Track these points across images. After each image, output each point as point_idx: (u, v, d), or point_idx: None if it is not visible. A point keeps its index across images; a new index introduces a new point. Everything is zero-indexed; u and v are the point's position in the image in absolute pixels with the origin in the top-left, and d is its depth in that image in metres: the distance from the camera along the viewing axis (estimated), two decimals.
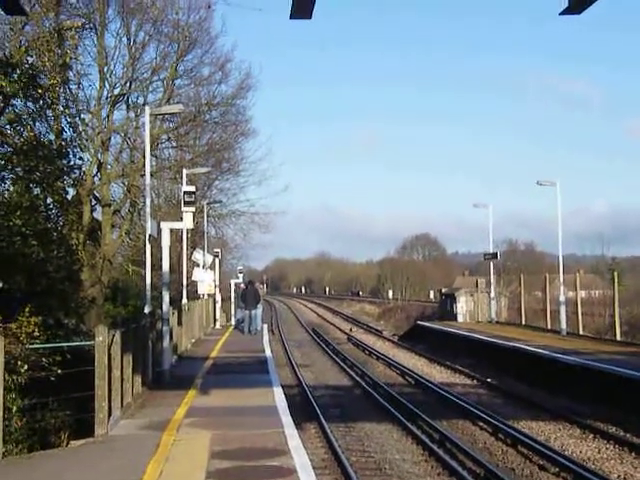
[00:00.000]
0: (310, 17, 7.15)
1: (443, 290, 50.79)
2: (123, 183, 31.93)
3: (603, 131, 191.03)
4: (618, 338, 27.60)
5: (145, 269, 20.11)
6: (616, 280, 29.39)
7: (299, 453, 10.20)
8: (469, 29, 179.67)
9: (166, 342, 18.03)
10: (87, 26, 21.95)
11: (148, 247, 19.80)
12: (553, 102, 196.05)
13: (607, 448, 15.18)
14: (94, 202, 30.26)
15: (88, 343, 13.49)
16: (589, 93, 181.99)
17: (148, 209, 20.25)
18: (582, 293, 35.77)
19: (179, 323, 23.63)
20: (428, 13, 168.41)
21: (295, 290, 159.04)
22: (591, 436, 16.16)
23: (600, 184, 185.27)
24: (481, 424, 17.28)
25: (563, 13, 7.45)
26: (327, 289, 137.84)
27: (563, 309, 31.08)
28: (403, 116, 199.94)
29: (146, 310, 18.68)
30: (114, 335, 12.39)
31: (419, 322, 44.34)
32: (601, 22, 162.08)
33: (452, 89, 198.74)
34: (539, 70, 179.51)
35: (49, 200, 16.98)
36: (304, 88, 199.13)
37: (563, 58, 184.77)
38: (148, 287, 19.54)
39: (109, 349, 11.96)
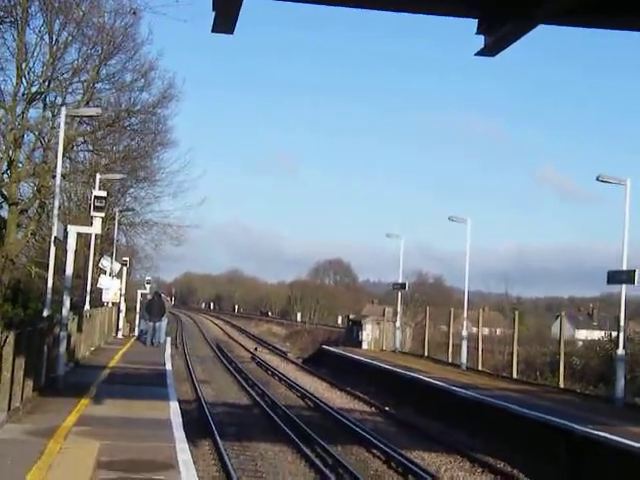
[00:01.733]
0: (232, 32, 7.14)
1: (351, 316, 51.09)
2: (33, 183, 31.14)
3: (514, 177, 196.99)
4: (514, 376, 28.22)
5: (48, 272, 19.67)
6: (517, 319, 30.09)
7: (188, 468, 10.09)
8: (381, 78, 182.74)
9: (62, 347, 17.63)
10: (7, 20, 21.36)
11: (53, 249, 19.39)
12: (468, 143, 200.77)
13: None
14: (0, 199, 29.42)
15: None
16: (502, 138, 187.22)
17: (56, 211, 19.82)
18: (485, 330, 36.51)
19: (79, 329, 23.14)
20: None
21: (204, 305, 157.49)
22: (480, 470, 16.41)
23: (509, 225, 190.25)
24: (375, 451, 17.38)
25: (479, 54, 7.64)
26: (236, 307, 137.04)
27: (465, 344, 31.63)
28: (323, 139, 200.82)
29: (45, 313, 18.26)
30: (7, 336, 12.05)
31: (324, 346, 44.45)
32: (518, 67, 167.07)
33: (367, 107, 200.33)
34: (452, 113, 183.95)
35: None
36: (228, 97, 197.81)
37: (477, 103, 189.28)
38: (49, 290, 19.12)
39: (0, 350, 11.62)
